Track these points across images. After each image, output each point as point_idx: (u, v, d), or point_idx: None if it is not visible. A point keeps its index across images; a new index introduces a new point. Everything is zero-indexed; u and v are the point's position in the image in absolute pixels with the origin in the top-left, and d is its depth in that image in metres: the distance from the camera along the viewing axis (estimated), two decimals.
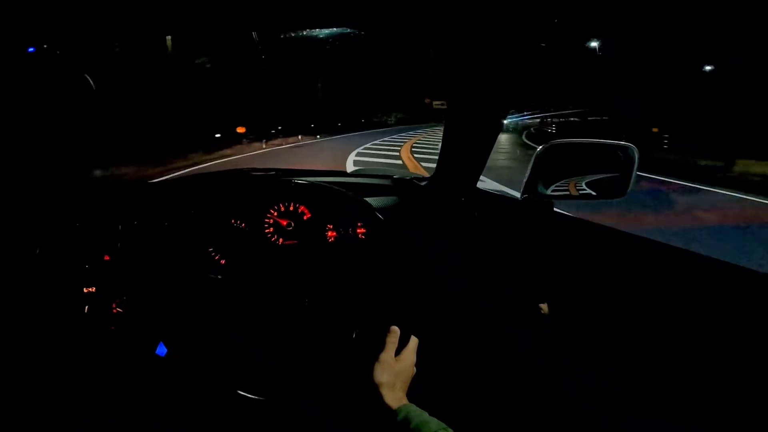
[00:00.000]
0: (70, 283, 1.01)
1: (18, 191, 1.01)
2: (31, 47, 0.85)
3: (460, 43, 0.87)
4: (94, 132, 0.97)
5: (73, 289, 1.01)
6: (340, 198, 1.16)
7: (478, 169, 1.09)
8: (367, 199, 1.17)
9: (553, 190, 1.14)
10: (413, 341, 0.87)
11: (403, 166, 9.46)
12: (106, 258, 1.03)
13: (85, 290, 1.03)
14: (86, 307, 1.03)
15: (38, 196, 1.02)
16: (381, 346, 0.82)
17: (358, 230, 1.17)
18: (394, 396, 0.72)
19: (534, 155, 1.02)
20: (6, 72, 0.86)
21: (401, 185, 1.23)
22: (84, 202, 1.06)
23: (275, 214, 1.17)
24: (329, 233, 1.18)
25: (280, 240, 1.17)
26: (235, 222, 1.13)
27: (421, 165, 9.23)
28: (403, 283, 1.09)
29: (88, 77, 0.98)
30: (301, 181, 1.18)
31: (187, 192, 1.18)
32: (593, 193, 1.08)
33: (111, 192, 1.13)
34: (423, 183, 1.19)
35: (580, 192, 1.17)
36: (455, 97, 0.97)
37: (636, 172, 0.96)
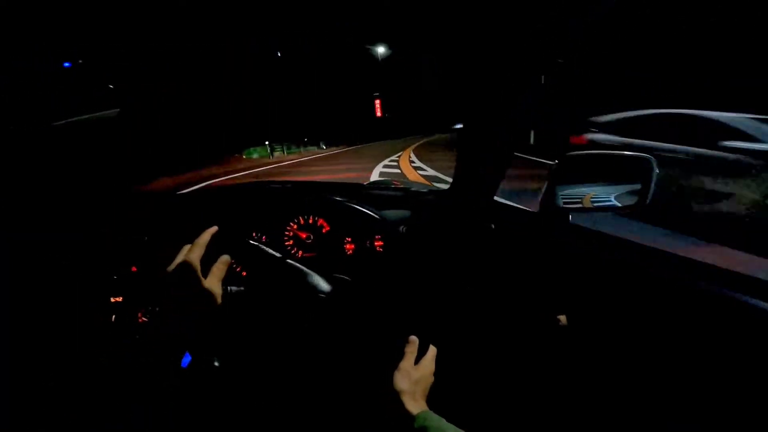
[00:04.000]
0: (98, 292, 1.04)
1: (53, 201, 1.06)
2: (66, 62, 0.90)
3: (478, 55, 0.89)
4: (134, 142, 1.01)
5: (100, 298, 1.05)
6: (358, 211, 1.18)
7: (496, 182, 1.10)
8: (384, 211, 1.19)
9: (569, 202, 1.14)
10: (432, 350, 0.88)
11: None
12: (134, 269, 1.07)
13: (112, 299, 1.06)
14: (113, 317, 1.07)
15: (71, 205, 1.07)
16: (400, 355, 0.83)
17: (376, 243, 1.19)
18: (414, 403, 0.73)
19: (551, 168, 1.03)
20: (44, 84, 0.91)
21: (418, 197, 1.25)
22: (114, 212, 1.10)
23: (295, 227, 1.19)
24: (347, 246, 1.20)
25: (300, 252, 1.19)
26: (256, 234, 1.16)
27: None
28: (421, 295, 1.09)
29: (120, 88, 1.04)
30: (319, 194, 1.21)
31: (211, 204, 1.21)
32: (613, 205, 1.08)
33: (139, 202, 1.17)
34: (440, 195, 1.20)
35: (597, 204, 1.17)
36: (472, 110, 0.99)
37: (655, 183, 0.96)
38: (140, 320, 1.08)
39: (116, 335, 1.06)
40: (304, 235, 1.19)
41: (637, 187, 1.07)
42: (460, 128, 1.04)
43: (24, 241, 1.00)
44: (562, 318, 1.04)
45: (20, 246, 1.00)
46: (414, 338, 0.87)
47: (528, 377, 1.01)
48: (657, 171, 0.95)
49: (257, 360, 0.99)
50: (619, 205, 1.05)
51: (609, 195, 1.13)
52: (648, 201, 0.98)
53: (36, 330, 1.03)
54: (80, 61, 0.91)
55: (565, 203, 1.11)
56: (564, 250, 1.07)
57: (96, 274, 1.04)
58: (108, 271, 1.05)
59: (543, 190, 1.06)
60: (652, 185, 0.95)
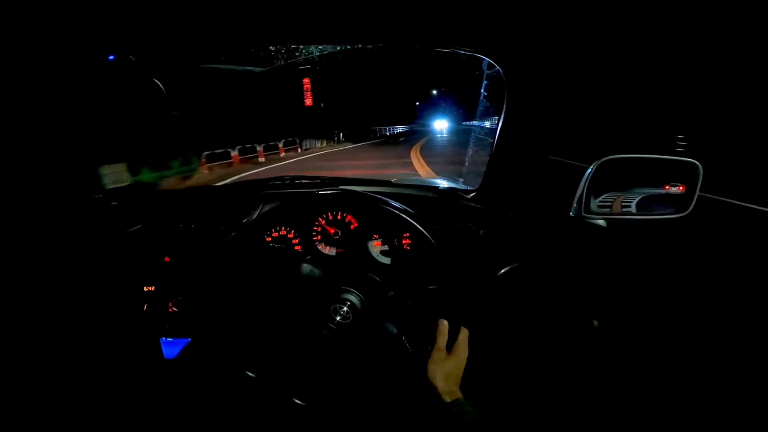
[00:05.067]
0: (132, 281, 1.07)
1: (88, 191, 1.09)
2: (111, 55, 0.92)
3: (521, 59, 0.88)
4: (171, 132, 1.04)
5: (134, 286, 1.07)
6: (387, 209, 1.17)
7: (527, 184, 1.08)
8: (412, 209, 1.18)
9: (600, 206, 1.11)
10: (464, 333, 0.86)
11: None
12: (167, 259, 1.08)
13: (145, 289, 1.08)
14: (145, 305, 1.09)
15: (106, 196, 1.09)
16: (431, 343, 0.82)
17: (404, 241, 1.18)
18: (448, 390, 0.72)
19: (588, 171, 1.00)
20: (90, 78, 0.94)
21: (447, 196, 1.23)
22: (149, 204, 1.12)
23: (323, 222, 1.19)
24: (375, 243, 1.19)
25: (327, 248, 1.19)
26: (284, 228, 1.17)
27: None
28: (449, 294, 1.08)
29: (158, 82, 1.06)
30: (349, 189, 1.20)
31: (239, 197, 1.22)
32: (653, 210, 1.04)
33: (172, 195, 1.19)
34: (469, 195, 1.18)
35: (628, 208, 1.14)
36: (509, 113, 0.97)
37: (699, 189, 0.92)
38: (170, 310, 1.10)
39: (148, 324, 1.08)
40: (332, 230, 1.19)
41: (663, 192, 1.04)
42: (499, 131, 1.02)
43: (63, 230, 1.03)
44: (596, 322, 1.02)
45: (58, 235, 1.03)
46: (444, 321, 0.86)
47: (556, 379, 0.99)
48: (702, 176, 0.92)
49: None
50: (654, 210, 1.02)
51: (643, 201, 1.10)
52: (690, 208, 0.94)
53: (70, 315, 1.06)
54: (128, 56, 0.93)
55: (599, 207, 1.08)
56: (596, 254, 1.04)
57: (131, 264, 1.06)
58: (142, 261, 1.07)
59: (578, 194, 1.04)
60: (697, 191, 0.92)
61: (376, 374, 0.95)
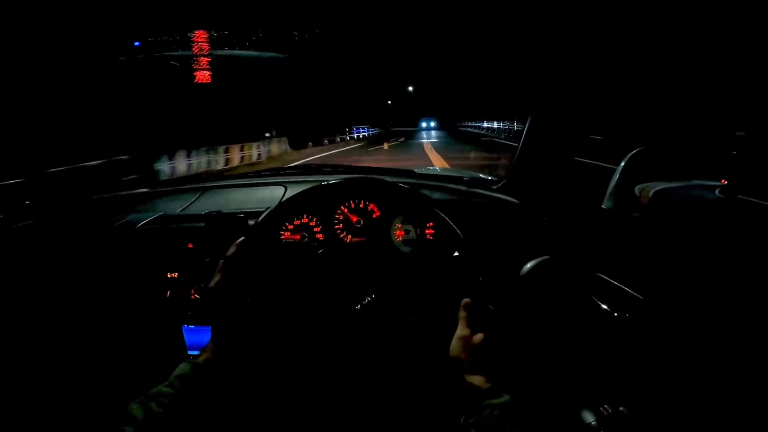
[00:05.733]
0: (157, 266, 1.06)
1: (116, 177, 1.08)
2: (136, 41, 0.90)
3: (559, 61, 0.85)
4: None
5: (159, 272, 1.07)
6: (410, 197, 1.15)
7: (554, 175, 1.05)
8: (438, 199, 1.16)
9: (634, 199, 1.08)
10: (488, 312, 0.82)
11: None
12: (190, 246, 1.08)
13: (168, 275, 1.08)
14: (168, 292, 1.09)
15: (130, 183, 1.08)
16: (452, 325, 0.77)
17: (427, 231, 1.16)
18: (474, 372, 0.68)
19: (624, 160, 0.97)
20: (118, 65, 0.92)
21: (474, 185, 1.21)
22: (172, 191, 1.11)
23: (345, 210, 1.17)
24: (397, 233, 1.18)
25: (349, 237, 1.17)
26: (306, 216, 1.15)
27: None
28: (470, 286, 1.07)
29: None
30: (372, 177, 1.18)
31: (261, 184, 1.21)
32: (691, 202, 1.01)
33: (196, 182, 1.18)
34: (495, 186, 1.16)
35: (663, 200, 1.11)
36: (540, 112, 0.94)
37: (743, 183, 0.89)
38: (192, 297, 1.10)
39: (170, 310, 1.08)
40: (354, 219, 1.17)
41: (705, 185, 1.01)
42: (528, 127, 0.99)
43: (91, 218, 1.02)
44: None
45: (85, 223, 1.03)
46: (467, 300, 0.80)
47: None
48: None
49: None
50: (700, 205, 0.99)
51: (680, 192, 1.07)
52: (734, 202, 0.91)
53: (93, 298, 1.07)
54: (150, 39, 0.90)
55: (630, 200, 1.05)
56: (634, 248, 1.02)
57: (156, 249, 1.06)
58: (167, 248, 1.07)
59: (611, 186, 1.01)
60: (743, 185, 0.89)
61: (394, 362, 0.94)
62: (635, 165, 1.00)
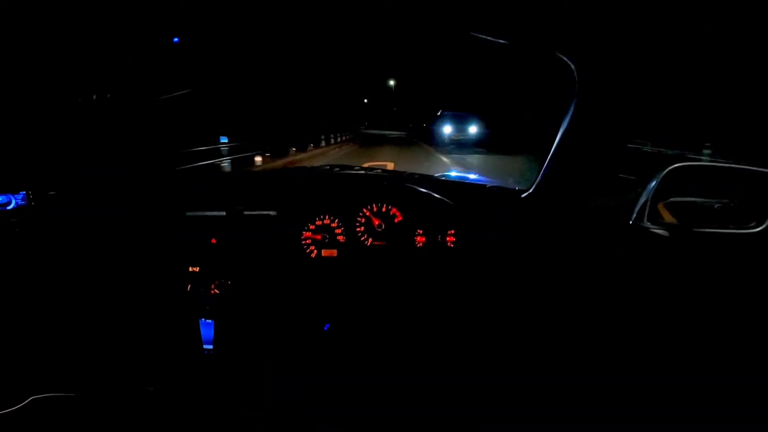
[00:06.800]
0: (179, 261, 1.08)
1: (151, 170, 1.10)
2: (175, 38, 0.91)
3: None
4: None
5: (181, 266, 1.08)
6: (433, 203, 1.14)
7: (589, 186, 1.03)
8: (458, 205, 1.15)
9: (658, 216, 1.06)
10: None
11: None
12: (213, 241, 1.08)
13: (190, 269, 1.09)
14: (189, 286, 1.09)
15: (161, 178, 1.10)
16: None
17: (448, 238, 1.15)
18: None
19: (656, 177, 0.95)
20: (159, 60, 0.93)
21: (501, 194, 1.19)
22: (198, 187, 1.12)
23: (368, 212, 1.17)
24: (418, 238, 1.17)
25: (369, 240, 1.17)
26: (328, 217, 1.15)
27: None
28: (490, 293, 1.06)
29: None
30: (395, 182, 1.18)
31: (287, 183, 1.21)
32: (722, 222, 0.98)
33: (220, 179, 1.19)
34: (524, 194, 1.14)
35: (694, 218, 1.08)
36: (580, 111, 0.92)
37: None
38: (212, 291, 1.11)
39: (190, 304, 1.09)
40: (376, 222, 1.17)
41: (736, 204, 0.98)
42: (563, 133, 0.97)
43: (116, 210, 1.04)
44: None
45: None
46: None
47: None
48: None
49: None
50: (733, 226, 0.96)
51: (710, 212, 1.04)
52: (765, 224, 0.88)
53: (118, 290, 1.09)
54: (187, 36, 0.91)
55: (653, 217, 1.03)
56: (658, 266, 0.99)
57: (179, 244, 1.07)
58: (190, 242, 1.08)
59: (640, 201, 0.98)
60: None
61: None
62: (670, 181, 0.98)
